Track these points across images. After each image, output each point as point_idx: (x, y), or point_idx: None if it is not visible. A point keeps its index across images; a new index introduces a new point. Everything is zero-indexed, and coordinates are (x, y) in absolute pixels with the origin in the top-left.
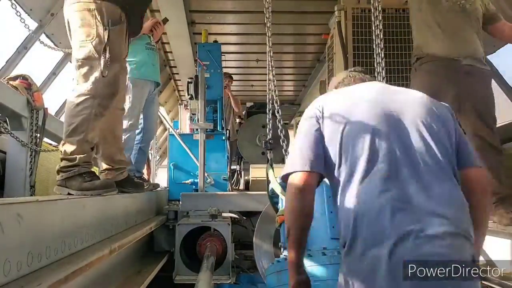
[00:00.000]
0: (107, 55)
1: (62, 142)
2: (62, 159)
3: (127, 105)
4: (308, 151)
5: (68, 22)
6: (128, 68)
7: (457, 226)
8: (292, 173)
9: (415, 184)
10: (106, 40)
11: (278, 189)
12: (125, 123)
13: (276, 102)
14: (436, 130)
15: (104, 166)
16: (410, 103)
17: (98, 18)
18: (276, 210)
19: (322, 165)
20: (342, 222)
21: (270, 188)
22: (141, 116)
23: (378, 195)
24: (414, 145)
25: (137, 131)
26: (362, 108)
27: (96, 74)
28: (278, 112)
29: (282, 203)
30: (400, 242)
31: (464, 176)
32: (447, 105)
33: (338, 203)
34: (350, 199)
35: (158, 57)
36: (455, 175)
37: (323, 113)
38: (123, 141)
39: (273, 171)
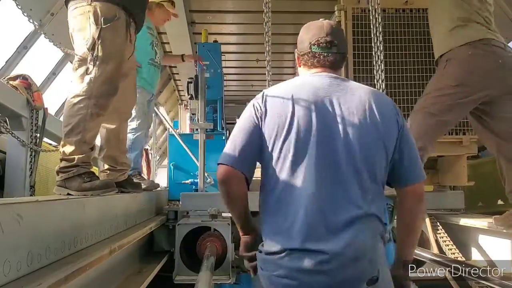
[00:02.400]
0: (95, 53)
1: (61, 143)
2: (61, 160)
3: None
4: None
5: (70, 31)
6: None
7: None
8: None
9: None
10: (96, 38)
11: None
12: (134, 123)
13: None
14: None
15: (106, 166)
16: (348, 117)
17: (92, 19)
18: None
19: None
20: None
21: None
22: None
23: None
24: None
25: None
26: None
27: (92, 74)
28: None
29: None
30: None
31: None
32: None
33: None
34: None
35: (159, 74)
36: None
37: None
38: (131, 142)
39: None
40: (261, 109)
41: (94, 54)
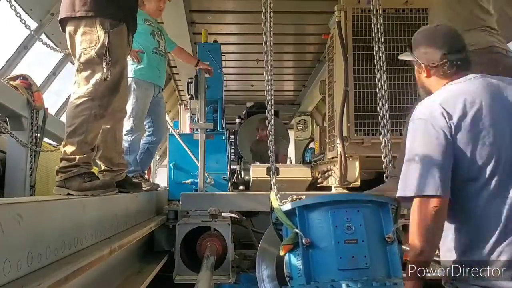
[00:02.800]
0: (108, 58)
1: (63, 143)
2: (61, 159)
3: (129, 107)
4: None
5: (69, 32)
6: (132, 68)
7: None
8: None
9: None
10: (106, 43)
11: (283, 218)
12: (129, 124)
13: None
14: None
15: (103, 167)
16: None
17: (98, 23)
18: (281, 238)
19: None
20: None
21: (273, 215)
22: (150, 119)
23: None
24: None
25: (147, 134)
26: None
27: (97, 77)
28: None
29: (287, 233)
30: None
31: None
32: None
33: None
34: None
35: (165, 62)
36: None
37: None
38: (128, 144)
39: (278, 198)
40: (449, 125)
41: (108, 59)
